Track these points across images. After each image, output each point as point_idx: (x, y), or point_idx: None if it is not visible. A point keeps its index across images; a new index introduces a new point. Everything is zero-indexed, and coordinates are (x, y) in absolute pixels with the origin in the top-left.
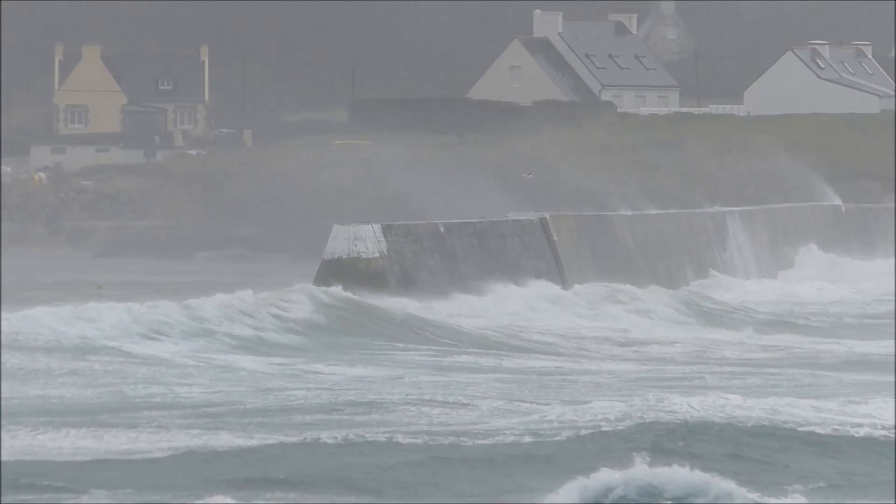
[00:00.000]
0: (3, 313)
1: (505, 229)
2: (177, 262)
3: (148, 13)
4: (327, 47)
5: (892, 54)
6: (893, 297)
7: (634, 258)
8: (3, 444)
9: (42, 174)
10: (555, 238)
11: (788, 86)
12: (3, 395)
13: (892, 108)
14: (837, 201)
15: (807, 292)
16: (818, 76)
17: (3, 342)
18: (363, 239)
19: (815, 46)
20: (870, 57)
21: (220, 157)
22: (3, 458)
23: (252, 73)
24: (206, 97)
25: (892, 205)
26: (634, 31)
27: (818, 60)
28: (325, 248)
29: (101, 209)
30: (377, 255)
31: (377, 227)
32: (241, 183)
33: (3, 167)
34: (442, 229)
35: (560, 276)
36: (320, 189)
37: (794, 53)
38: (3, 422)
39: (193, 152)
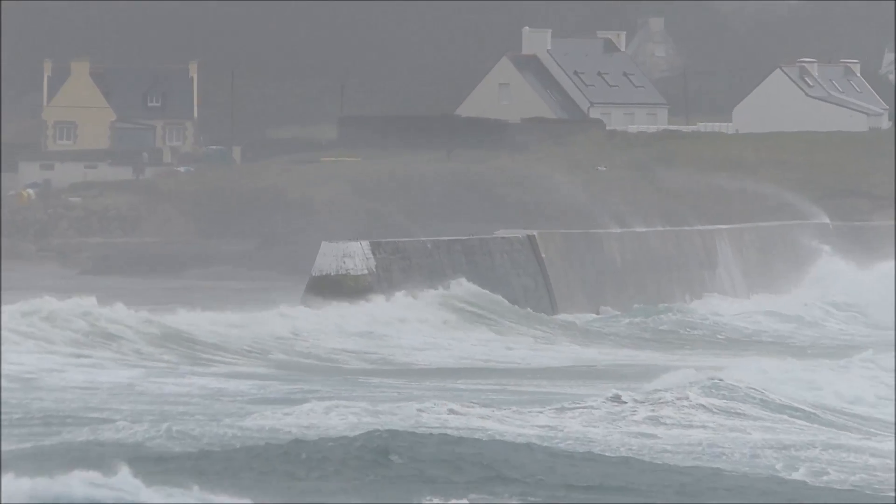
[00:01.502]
0: None
1: (493, 247)
2: (166, 280)
3: (137, 29)
4: (316, 64)
5: (881, 72)
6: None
7: (623, 276)
8: None
9: (30, 190)
10: (543, 255)
11: (777, 103)
12: None
13: (881, 125)
14: (825, 219)
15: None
16: (807, 94)
17: None
18: (352, 256)
19: (804, 64)
20: (858, 75)
21: (208, 173)
22: None
23: (241, 89)
24: (195, 113)
25: (881, 223)
26: (623, 49)
27: (806, 78)
28: (314, 265)
29: (89, 226)
30: (366, 272)
31: (366, 244)
32: (230, 199)
33: None
34: (430, 246)
35: (548, 293)
36: (309, 206)
37: (783, 71)
38: None
39: (182, 169)
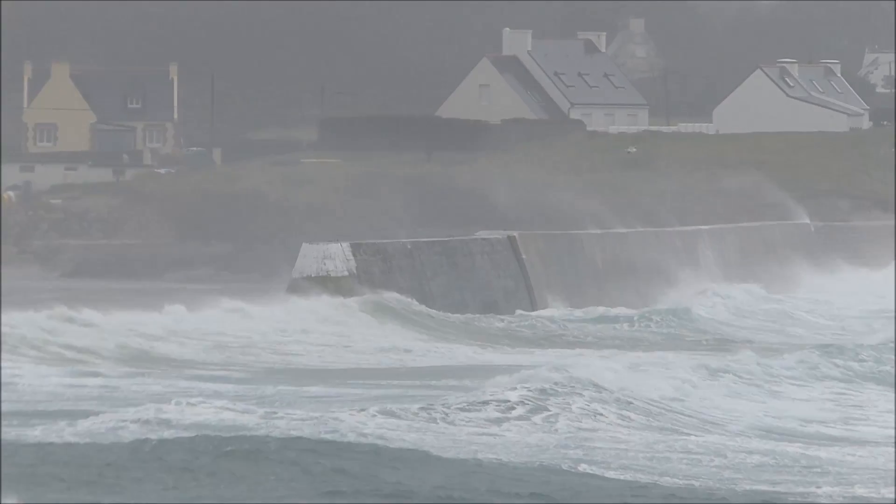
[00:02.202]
0: None
1: (474, 247)
2: (146, 282)
3: (117, 32)
4: (297, 65)
5: (861, 72)
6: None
7: (603, 277)
8: None
9: (11, 193)
10: (523, 256)
11: (757, 104)
12: None
13: (861, 126)
14: (806, 220)
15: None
16: (787, 94)
17: None
18: (332, 257)
19: (784, 65)
20: (839, 75)
21: (189, 175)
22: None
23: (221, 91)
24: (176, 115)
25: (861, 223)
26: (603, 50)
27: (787, 79)
28: (294, 267)
29: (69, 228)
30: (346, 273)
31: (346, 245)
32: (211, 201)
33: None
34: (410, 247)
35: (528, 294)
36: (290, 207)
37: (763, 72)
38: None
39: (162, 171)
